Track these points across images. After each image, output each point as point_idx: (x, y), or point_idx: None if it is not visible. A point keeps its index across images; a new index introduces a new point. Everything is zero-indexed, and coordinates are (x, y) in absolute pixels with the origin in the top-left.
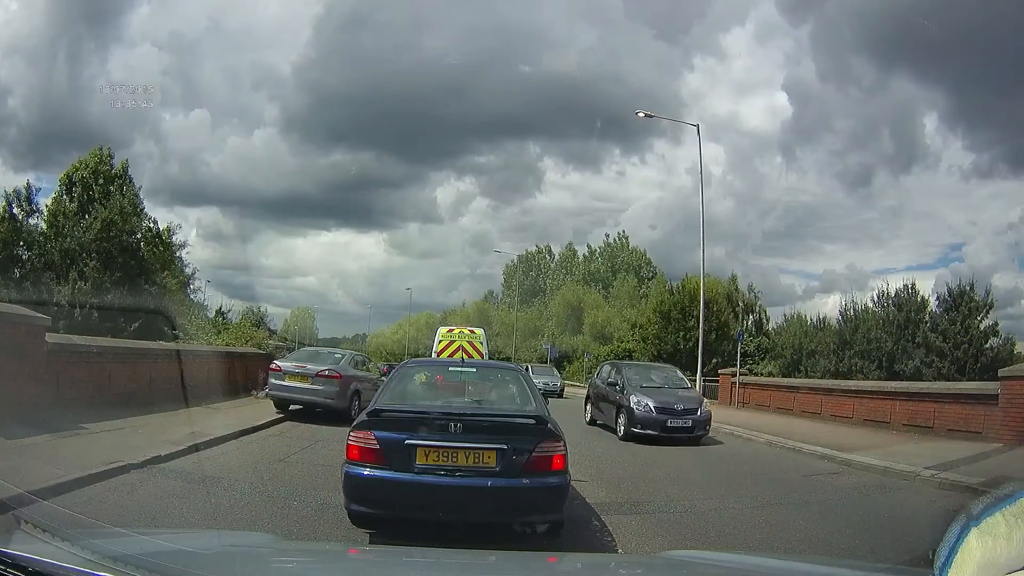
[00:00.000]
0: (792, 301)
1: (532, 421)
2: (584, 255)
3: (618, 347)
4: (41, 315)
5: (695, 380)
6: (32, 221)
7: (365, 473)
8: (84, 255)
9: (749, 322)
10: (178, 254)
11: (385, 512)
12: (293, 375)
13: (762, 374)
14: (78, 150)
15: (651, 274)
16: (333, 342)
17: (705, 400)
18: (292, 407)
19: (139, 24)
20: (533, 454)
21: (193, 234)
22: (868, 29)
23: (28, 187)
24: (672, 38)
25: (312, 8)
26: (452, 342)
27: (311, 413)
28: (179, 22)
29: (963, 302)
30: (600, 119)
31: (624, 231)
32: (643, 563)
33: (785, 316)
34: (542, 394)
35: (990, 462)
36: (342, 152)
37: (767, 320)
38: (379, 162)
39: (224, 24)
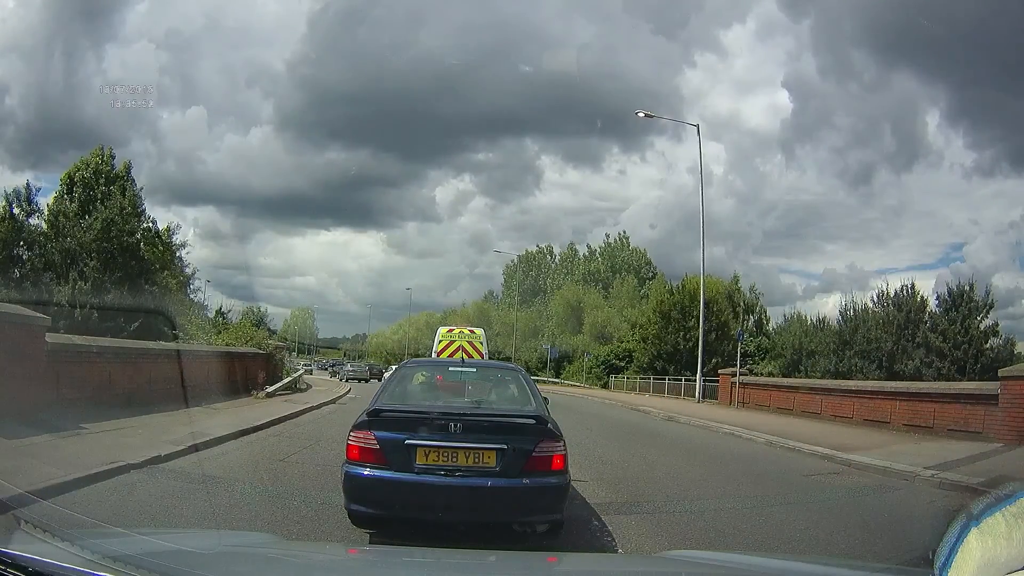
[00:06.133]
0: (792, 301)
1: (532, 421)
2: (584, 255)
3: (618, 347)
4: (41, 315)
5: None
6: (32, 221)
7: (365, 473)
8: (84, 255)
9: (750, 322)
10: (178, 254)
11: (385, 512)
12: (357, 370)
13: (762, 374)
14: (76, 149)
15: (651, 274)
16: (333, 342)
17: None
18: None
19: (136, 21)
20: (533, 454)
21: (191, 233)
22: (869, 23)
23: (28, 187)
24: (671, 34)
25: (308, 4)
26: (452, 342)
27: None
28: (176, 19)
29: (963, 302)
30: (599, 116)
31: (624, 231)
32: (643, 563)
33: (785, 316)
34: None
35: (990, 462)
36: (339, 150)
37: (767, 320)
38: (376, 160)
39: (220, 21)
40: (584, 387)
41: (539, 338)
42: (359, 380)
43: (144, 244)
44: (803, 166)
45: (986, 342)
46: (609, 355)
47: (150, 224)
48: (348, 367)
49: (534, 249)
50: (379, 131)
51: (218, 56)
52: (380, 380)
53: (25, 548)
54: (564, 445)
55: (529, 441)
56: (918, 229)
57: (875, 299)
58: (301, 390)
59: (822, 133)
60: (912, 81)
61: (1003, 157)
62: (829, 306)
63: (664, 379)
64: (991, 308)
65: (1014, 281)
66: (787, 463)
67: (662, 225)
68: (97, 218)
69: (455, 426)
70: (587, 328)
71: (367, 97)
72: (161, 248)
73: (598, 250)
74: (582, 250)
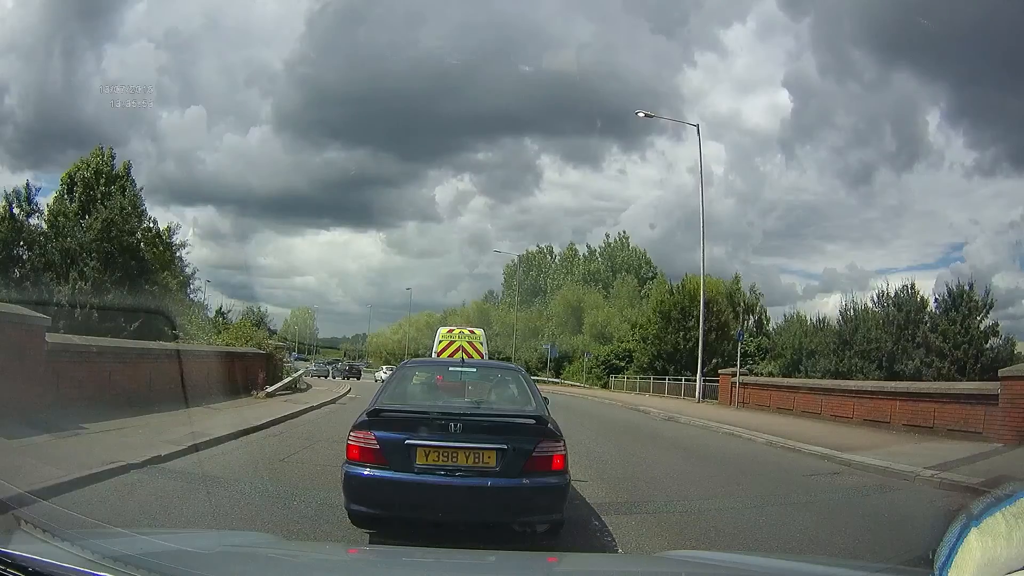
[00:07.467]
0: (792, 301)
1: (532, 421)
2: (584, 255)
3: (618, 347)
4: (41, 315)
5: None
6: (32, 221)
7: (365, 473)
8: (84, 255)
9: (750, 322)
10: (178, 254)
11: (385, 512)
12: (319, 368)
13: (762, 374)
14: (76, 149)
15: (651, 274)
16: (333, 342)
17: None
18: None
19: (135, 21)
20: (533, 454)
21: (191, 233)
22: (869, 22)
23: (28, 187)
24: (671, 33)
25: (307, 3)
26: (452, 342)
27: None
28: (175, 19)
29: (963, 302)
30: (599, 116)
31: (624, 231)
32: (643, 563)
33: (785, 316)
34: None
35: (990, 462)
36: (338, 150)
37: (767, 320)
38: (375, 160)
39: (219, 20)
40: (584, 387)
41: (539, 338)
42: (318, 376)
43: (144, 244)
44: (803, 166)
45: (986, 342)
46: (609, 355)
47: (150, 224)
48: (312, 365)
49: (534, 249)
50: (378, 131)
51: (217, 56)
52: (359, 379)
53: (25, 548)
54: (564, 445)
55: (529, 441)
56: (918, 229)
57: (875, 299)
58: (301, 390)
59: (822, 132)
60: (912, 80)
61: (1003, 157)
62: (829, 306)
63: (664, 379)
64: (991, 308)
65: (1014, 281)
66: (787, 463)
67: (662, 225)
68: (97, 218)
69: (455, 426)
70: (587, 328)
71: (366, 97)
72: (161, 248)
73: (598, 250)
74: (582, 250)
